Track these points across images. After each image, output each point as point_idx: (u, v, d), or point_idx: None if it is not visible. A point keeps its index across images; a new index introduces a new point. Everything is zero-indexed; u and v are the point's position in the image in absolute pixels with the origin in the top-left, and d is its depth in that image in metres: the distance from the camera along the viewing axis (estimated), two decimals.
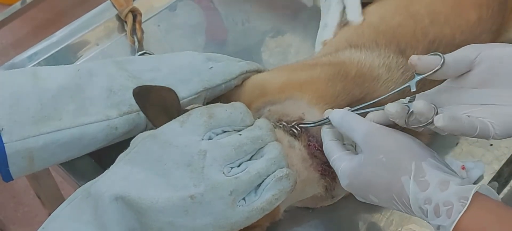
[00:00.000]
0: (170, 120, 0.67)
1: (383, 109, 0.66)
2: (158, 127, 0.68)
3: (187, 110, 0.69)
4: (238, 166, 0.65)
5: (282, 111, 0.78)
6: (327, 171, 0.74)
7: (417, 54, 0.82)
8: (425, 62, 0.63)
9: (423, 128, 0.63)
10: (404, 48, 0.84)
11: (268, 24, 1.10)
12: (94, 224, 0.64)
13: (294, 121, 0.76)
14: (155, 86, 0.71)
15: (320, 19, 1.00)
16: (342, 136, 0.72)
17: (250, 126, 0.68)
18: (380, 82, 0.81)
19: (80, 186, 0.68)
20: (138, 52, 1.02)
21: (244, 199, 0.64)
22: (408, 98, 0.66)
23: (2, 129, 0.72)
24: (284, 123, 0.76)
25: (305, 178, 0.73)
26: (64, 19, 2.14)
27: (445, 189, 0.58)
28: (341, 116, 0.69)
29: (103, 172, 0.68)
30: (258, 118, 0.71)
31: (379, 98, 0.72)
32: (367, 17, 0.93)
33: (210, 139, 0.65)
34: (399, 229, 0.82)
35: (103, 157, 0.81)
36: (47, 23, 2.41)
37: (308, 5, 1.13)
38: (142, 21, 1.07)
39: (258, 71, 0.90)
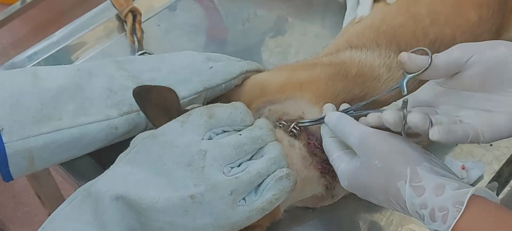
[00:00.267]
0: (170, 119, 0.67)
1: (379, 112, 0.65)
2: (158, 126, 0.68)
3: (187, 110, 0.69)
4: (238, 165, 0.65)
5: (282, 111, 0.78)
6: (327, 169, 0.74)
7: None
8: (415, 61, 0.62)
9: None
10: (405, 48, 0.84)
11: (268, 24, 1.10)
12: (94, 224, 0.64)
13: (294, 120, 0.76)
14: (155, 86, 0.71)
15: (321, 18, 1.01)
16: None
17: (250, 125, 0.68)
18: (381, 82, 0.81)
19: (80, 186, 0.68)
20: (138, 52, 1.02)
21: (244, 199, 0.64)
22: (402, 101, 0.64)
23: (2, 128, 0.72)
24: (283, 122, 0.76)
25: (305, 177, 0.73)
26: (64, 19, 2.14)
27: (440, 194, 0.58)
28: (336, 119, 0.69)
29: (103, 172, 0.68)
30: (258, 118, 0.71)
31: (372, 98, 0.71)
32: (368, 18, 0.93)
33: (210, 138, 0.65)
34: (399, 229, 0.82)
35: (103, 157, 0.81)
36: (47, 23, 2.41)
37: (308, 5, 1.13)
38: (142, 21, 1.07)
39: (258, 71, 0.90)
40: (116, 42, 1.06)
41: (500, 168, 0.87)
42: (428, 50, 0.62)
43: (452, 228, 0.56)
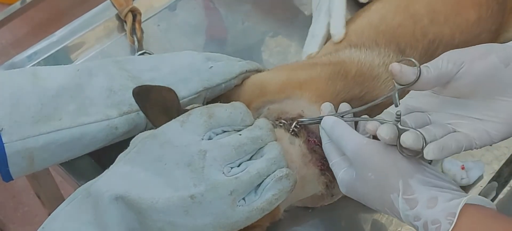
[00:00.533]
0: (170, 119, 0.67)
1: (376, 120, 0.65)
2: (158, 126, 0.68)
3: (187, 110, 0.69)
4: (238, 165, 0.65)
5: (281, 110, 0.78)
6: (326, 166, 0.74)
7: (416, 54, 0.83)
8: (406, 73, 0.61)
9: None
10: (404, 47, 0.84)
11: (268, 23, 1.10)
12: (94, 224, 0.64)
13: (293, 118, 0.76)
14: (155, 86, 0.71)
15: None
16: None
17: (250, 125, 0.68)
18: (380, 81, 0.81)
19: (80, 186, 0.68)
20: (137, 51, 1.02)
21: (244, 199, 0.64)
22: (395, 114, 0.64)
23: (2, 129, 0.72)
24: (283, 121, 0.76)
25: (305, 174, 0.73)
26: (64, 19, 2.14)
27: (432, 207, 0.58)
28: (331, 125, 0.69)
29: (103, 171, 0.68)
30: (258, 117, 0.71)
31: (368, 105, 0.71)
32: (368, 17, 0.93)
33: (210, 138, 0.65)
34: (399, 229, 0.82)
35: (103, 156, 0.81)
36: (47, 22, 2.40)
37: (308, 5, 1.13)
38: (142, 20, 1.07)
39: (258, 70, 0.90)
40: (116, 42, 1.06)
41: (500, 168, 0.88)
42: (416, 62, 0.61)
43: None
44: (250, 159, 0.66)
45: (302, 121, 0.75)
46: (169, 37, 1.08)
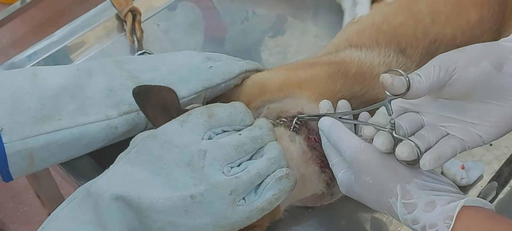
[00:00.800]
0: (170, 119, 0.67)
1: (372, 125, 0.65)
2: (158, 126, 0.68)
3: (187, 110, 0.69)
4: (238, 165, 0.65)
5: (280, 109, 0.78)
6: (326, 163, 0.74)
7: (417, 54, 0.83)
8: (398, 86, 0.60)
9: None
10: (405, 47, 0.84)
11: (268, 23, 1.10)
12: (94, 224, 0.64)
13: (294, 116, 0.76)
14: (155, 86, 0.71)
15: (320, 18, 1.01)
16: None
17: (250, 125, 0.68)
18: None
19: (80, 186, 0.68)
20: (137, 51, 1.02)
21: (244, 198, 0.64)
22: (390, 119, 0.64)
23: (2, 129, 0.72)
24: (283, 119, 0.76)
25: (305, 172, 0.73)
26: (64, 19, 2.14)
27: (430, 211, 0.59)
28: (328, 128, 0.69)
29: (103, 171, 0.68)
30: (258, 117, 0.71)
31: (362, 110, 0.71)
32: (369, 17, 0.93)
33: (210, 138, 0.65)
34: (399, 229, 0.82)
35: (103, 156, 0.81)
36: (47, 22, 2.41)
37: (308, 4, 1.13)
38: (142, 20, 1.07)
39: (257, 70, 0.90)
40: (115, 42, 1.06)
41: (500, 168, 0.88)
42: (404, 74, 0.60)
43: None
44: (250, 159, 0.66)
45: (302, 117, 0.75)
46: (169, 37, 1.08)
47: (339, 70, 0.80)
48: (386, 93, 0.62)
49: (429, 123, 0.66)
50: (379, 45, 0.84)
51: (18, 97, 0.74)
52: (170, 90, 0.70)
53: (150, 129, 0.70)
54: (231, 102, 0.69)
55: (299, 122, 0.75)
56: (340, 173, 0.69)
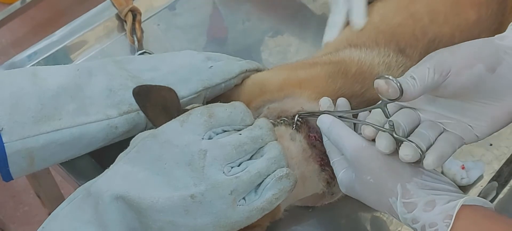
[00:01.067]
0: (170, 119, 0.67)
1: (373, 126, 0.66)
2: (158, 126, 0.68)
3: (187, 110, 0.69)
4: (238, 165, 0.65)
5: (281, 108, 0.78)
6: (326, 162, 0.74)
7: (416, 53, 0.83)
8: (393, 92, 0.60)
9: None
10: (404, 47, 0.84)
11: (268, 23, 1.10)
12: (94, 224, 0.64)
13: (294, 115, 0.76)
14: (155, 86, 0.71)
15: (320, 18, 1.01)
16: None
17: (250, 125, 0.68)
18: None
19: (80, 186, 0.68)
20: (137, 51, 1.02)
21: (244, 198, 0.64)
22: (388, 120, 0.64)
23: (2, 128, 0.72)
24: (284, 118, 0.76)
25: (305, 170, 0.73)
26: (64, 19, 2.14)
27: (430, 210, 0.59)
28: (328, 126, 0.69)
29: (103, 171, 0.68)
30: (258, 117, 0.71)
31: (361, 110, 0.71)
32: (368, 17, 0.93)
33: (210, 138, 0.65)
34: (399, 229, 0.82)
35: (103, 156, 0.81)
36: (47, 22, 2.41)
37: (308, 5, 1.13)
38: (142, 20, 1.07)
39: (257, 70, 0.90)
40: (116, 42, 1.06)
41: (500, 168, 0.88)
42: (395, 80, 0.59)
43: None
44: (250, 159, 0.66)
45: (303, 114, 0.75)
46: (169, 37, 1.08)
47: (339, 70, 0.81)
48: (380, 97, 0.62)
49: (425, 119, 0.66)
50: (378, 45, 0.85)
51: (18, 97, 0.74)
52: (170, 90, 0.70)
53: (150, 129, 0.70)
54: (231, 102, 0.69)
55: (300, 120, 0.75)
56: (341, 172, 0.69)
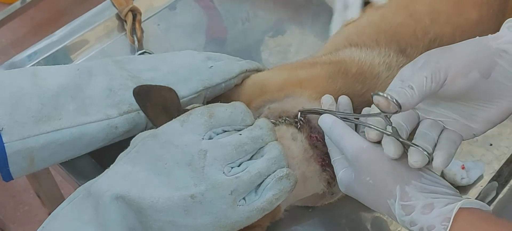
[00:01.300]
0: (171, 119, 0.67)
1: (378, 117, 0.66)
2: (158, 126, 0.68)
3: (187, 110, 0.69)
4: (239, 165, 0.65)
5: (281, 108, 0.78)
6: (327, 162, 0.74)
7: (417, 53, 0.83)
8: (394, 107, 0.60)
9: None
10: (405, 47, 0.84)
11: (268, 23, 1.10)
12: (94, 224, 0.64)
13: (296, 115, 0.76)
14: (155, 85, 0.71)
15: (320, 18, 1.00)
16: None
17: (251, 125, 0.68)
18: (381, 80, 0.81)
19: (80, 186, 0.68)
20: (137, 51, 1.02)
21: (244, 198, 0.64)
22: (392, 126, 0.64)
23: (2, 128, 0.72)
24: (286, 118, 0.76)
25: (306, 170, 0.73)
26: (64, 18, 2.14)
27: (428, 213, 0.59)
28: (330, 126, 0.69)
29: (103, 171, 0.68)
30: (258, 117, 0.71)
31: (360, 115, 0.70)
32: (368, 16, 0.93)
33: (210, 138, 0.65)
34: (399, 229, 0.82)
35: (103, 156, 0.81)
36: (47, 22, 2.41)
37: (308, 4, 1.13)
38: (142, 20, 1.07)
39: (258, 70, 0.90)
40: (116, 42, 1.06)
41: (500, 168, 0.88)
42: (393, 99, 0.59)
43: None
44: (250, 159, 0.66)
45: (305, 110, 0.75)
46: (169, 37, 1.08)
47: (340, 70, 0.81)
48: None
49: (424, 117, 0.67)
50: (379, 45, 0.85)
51: (18, 97, 0.74)
52: (170, 90, 0.70)
53: (150, 129, 0.70)
54: (232, 102, 0.69)
55: (302, 119, 0.75)
56: (341, 172, 0.69)
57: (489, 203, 0.84)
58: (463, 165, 0.85)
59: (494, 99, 0.63)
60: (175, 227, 0.63)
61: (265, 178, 0.65)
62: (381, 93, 0.59)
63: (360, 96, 0.78)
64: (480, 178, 0.86)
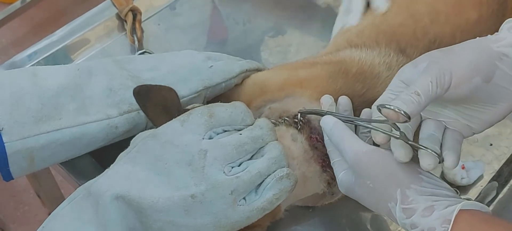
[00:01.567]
0: (171, 119, 0.67)
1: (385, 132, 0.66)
2: (159, 126, 0.68)
3: (188, 109, 0.69)
4: (239, 165, 0.65)
5: (282, 109, 0.78)
6: (328, 163, 0.74)
7: (417, 53, 0.83)
8: (403, 118, 0.60)
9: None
10: (405, 47, 0.84)
11: (269, 23, 1.10)
12: (94, 223, 0.64)
13: (295, 116, 0.76)
14: (155, 85, 0.71)
15: (320, 18, 1.00)
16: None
17: (251, 125, 0.68)
18: (381, 80, 0.81)
19: (80, 185, 0.68)
20: (138, 51, 1.02)
21: (244, 198, 0.64)
22: (400, 131, 0.64)
23: (2, 128, 0.72)
24: (286, 118, 0.76)
25: (306, 171, 0.73)
26: (64, 18, 2.14)
27: (428, 215, 0.60)
28: (330, 128, 0.69)
29: (103, 171, 0.68)
30: (259, 117, 0.71)
31: (362, 120, 0.70)
32: (368, 17, 0.93)
33: (210, 138, 0.65)
34: (399, 229, 0.82)
35: (103, 156, 0.81)
36: (47, 22, 2.41)
37: (308, 4, 1.13)
38: (142, 20, 1.07)
39: (258, 70, 0.90)
40: (116, 42, 1.06)
41: (500, 168, 0.88)
42: (402, 111, 0.59)
43: None
44: (250, 159, 0.66)
45: (304, 111, 0.75)
46: (169, 37, 1.08)
47: (340, 70, 0.81)
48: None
49: (425, 117, 0.67)
50: (379, 45, 0.85)
51: (18, 97, 0.74)
52: (170, 90, 0.70)
53: (150, 129, 0.70)
54: (232, 102, 0.69)
55: (302, 119, 0.75)
56: (341, 173, 0.69)
57: (489, 203, 0.84)
58: (463, 165, 0.85)
59: (493, 102, 0.63)
60: (175, 227, 0.63)
61: (265, 178, 0.65)
62: (388, 106, 0.59)
63: (360, 96, 0.78)
64: (480, 178, 0.86)
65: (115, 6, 1.07)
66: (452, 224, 0.58)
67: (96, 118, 0.77)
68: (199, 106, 0.69)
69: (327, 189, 0.76)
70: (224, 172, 0.63)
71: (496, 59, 0.62)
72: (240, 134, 0.66)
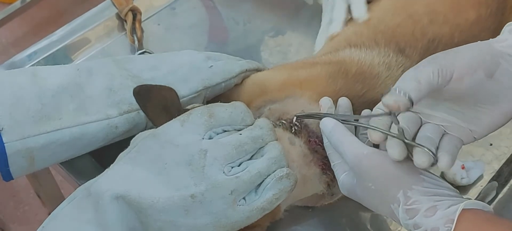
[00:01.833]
0: (171, 119, 0.67)
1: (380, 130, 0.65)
2: (159, 126, 0.68)
3: (188, 109, 0.69)
4: (239, 165, 0.65)
5: (282, 110, 0.78)
6: (328, 165, 0.74)
7: (416, 53, 0.83)
8: (403, 105, 0.60)
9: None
10: (404, 47, 0.84)
11: (269, 23, 1.10)
12: (94, 223, 0.64)
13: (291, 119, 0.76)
14: (155, 85, 0.71)
15: (320, 18, 1.00)
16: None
17: (251, 125, 0.68)
18: (380, 80, 0.81)
19: (80, 185, 0.68)
20: (138, 51, 1.02)
21: (244, 198, 0.64)
22: (398, 127, 0.64)
23: (2, 128, 0.72)
24: (283, 121, 0.76)
25: (306, 174, 0.73)
26: (64, 18, 2.14)
27: (431, 215, 0.60)
28: (330, 130, 0.69)
29: (103, 171, 0.68)
30: (259, 117, 0.71)
31: (365, 116, 0.70)
32: (368, 17, 0.93)
33: (210, 138, 0.65)
34: (399, 229, 0.82)
35: (103, 156, 0.81)
36: (47, 22, 2.41)
37: (308, 4, 1.13)
38: (142, 20, 1.07)
39: (258, 70, 0.90)
40: (116, 41, 1.06)
41: (500, 168, 0.88)
42: (404, 96, 0.59)
43: None
44: (250, 159, 0.66)
45: (302, 115, 0.75)
46: (169, 37, 1.08)
47: (340, 70, 0.81)
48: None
49: (426, 122, 0.67)
50: (378, 45, 0.85)
51: (18, 97, 0.74)
52: (170, 90, 0.70)
53: (150, 128, 0.70)
54: (232, 102, 0.69)
55: (298, 124, 0.75)
56: (342, 175, 0.69)
57: (489, 203, 0.84)
58: (463, 165, 0.85)
59: (495, 100, 0.63)
60: (175, 227, 0.63)
61: (265, 178, 0.65)
62: (389, 90, 0.59)
63: (360, 96, 0.78)
64: (480, 178, 0.86)
65: (115, 6, 1.07)
66: (456, 224, 0.58)
67: (96, 117, 0.77)
68: (199, 106, 0.69)
69: (326, 190, 0.76)
70: (224, 172, 0.63)
71: (499, 57, 0.62)
72: (240, 134, 0.66)
